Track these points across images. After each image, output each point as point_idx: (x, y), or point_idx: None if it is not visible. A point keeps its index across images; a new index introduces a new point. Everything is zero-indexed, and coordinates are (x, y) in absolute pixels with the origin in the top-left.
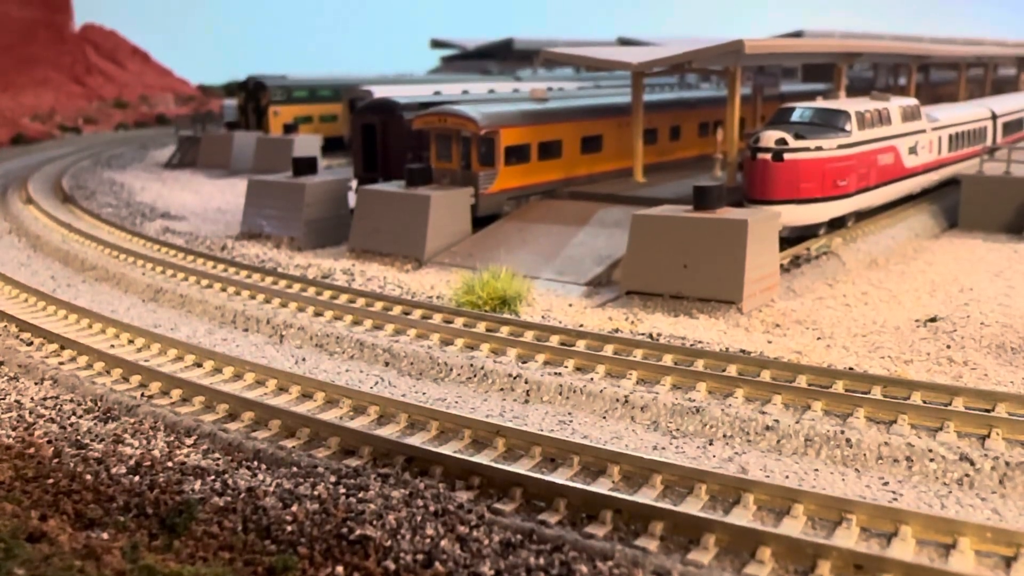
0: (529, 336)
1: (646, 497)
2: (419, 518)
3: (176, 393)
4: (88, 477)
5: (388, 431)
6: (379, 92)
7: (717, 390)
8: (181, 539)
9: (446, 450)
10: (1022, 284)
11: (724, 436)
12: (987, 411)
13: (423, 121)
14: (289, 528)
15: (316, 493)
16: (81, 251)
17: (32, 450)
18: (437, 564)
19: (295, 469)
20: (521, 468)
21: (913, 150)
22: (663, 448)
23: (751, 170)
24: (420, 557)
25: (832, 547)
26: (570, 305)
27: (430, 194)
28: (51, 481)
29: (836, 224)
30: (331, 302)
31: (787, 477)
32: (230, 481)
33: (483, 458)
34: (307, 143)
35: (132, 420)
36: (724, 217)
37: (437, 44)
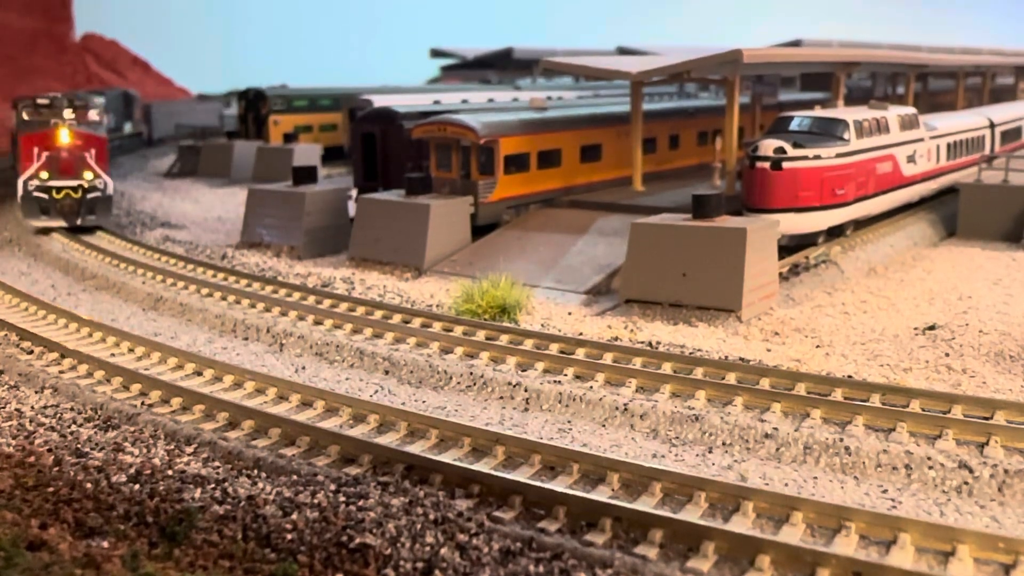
0: (528, 344)
1: (645, 505)
2: (419, 526)
3: (176, 401)
4: (88, 485)
5: (388, 439)
6: (379, 101)
7: (716, 398)
8: (181, 547)
9: (446, 458)
10: (1020, 292)
11: (723, 444)
12: (986, 419)
13: (423, 130)
14: (289, 536)
15: (316, 501)
16: (81, 260)
17: (32, 459)
18: (437, 572)
19: (295, 477)
20: (521, 476)
21: (911, 159)
22: (662, 456)
23: (750, 179)
24: (420, 565)
25: (831, 555)
26: (569, 313)
27: (430, 203)
28: (51, 490)
29: (835, 232)
30: (331, 311)
31: (786, 485)
32: (230, 489)
33: (483, 466)
34: (307, 152)
35: (132, 428)
36: (723, 226)
37: (437, 53)
